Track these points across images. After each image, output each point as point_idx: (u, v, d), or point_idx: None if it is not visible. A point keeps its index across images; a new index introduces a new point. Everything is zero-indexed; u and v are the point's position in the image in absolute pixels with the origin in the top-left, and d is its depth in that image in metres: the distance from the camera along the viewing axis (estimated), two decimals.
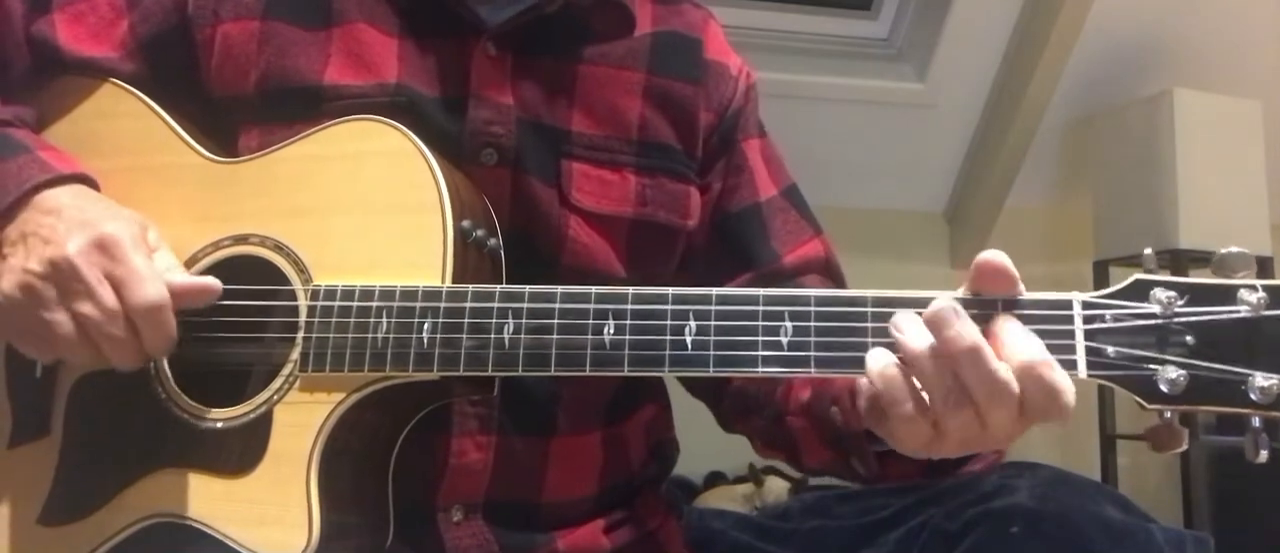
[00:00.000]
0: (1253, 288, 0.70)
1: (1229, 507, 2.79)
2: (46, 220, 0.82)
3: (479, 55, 0.95)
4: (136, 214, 0.85)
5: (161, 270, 0.82)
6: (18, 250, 0.82)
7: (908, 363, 0.72)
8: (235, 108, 0.94)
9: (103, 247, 0.80)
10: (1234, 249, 0.71)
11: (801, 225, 1.08)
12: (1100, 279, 2.76)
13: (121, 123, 0.94)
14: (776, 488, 2.48)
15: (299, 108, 0.91)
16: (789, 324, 0.75)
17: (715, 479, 2.64)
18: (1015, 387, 0.69)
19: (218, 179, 0.90)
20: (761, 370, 0.75)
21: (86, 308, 0.79)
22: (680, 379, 1.07)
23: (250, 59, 0.94)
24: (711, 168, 1.06)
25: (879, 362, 0.72)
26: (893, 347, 0.73)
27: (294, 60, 0.93)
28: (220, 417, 0.84)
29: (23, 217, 0.83)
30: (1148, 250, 0.75)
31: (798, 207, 1.10)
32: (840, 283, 1.08)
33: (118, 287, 0.80)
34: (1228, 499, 2.79)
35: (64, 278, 0.79)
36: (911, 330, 0.72)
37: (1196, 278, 0.72)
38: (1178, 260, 2.52)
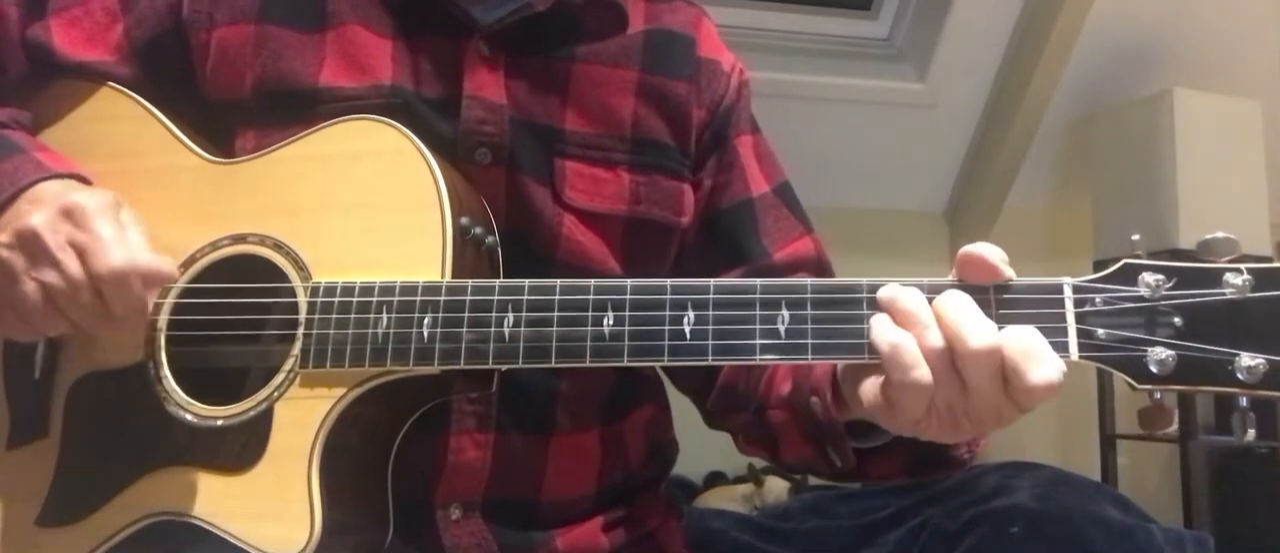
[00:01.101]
0: (1238, 271, 0.71)
1: (1229, 507, 2.79)
2: (27, 207, 0.83)
3: (472, 55, 0.95)
4: (112, 192, 0.85)
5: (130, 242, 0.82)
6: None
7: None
8: (231, 111, 0.94)
9: (68, 214, 0.80)
10: (1219, 234, 0.73)
11: (792, 223, 1.09)
12: None
13: (118, 126, 0.94)
14: (776, 488, 2.48)
15: (295, 110, 0.92)
16: (786, 312, 0.76)
17: (715, 479, 2.64)
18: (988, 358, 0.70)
19: (215, 179, 0.91)
20: (760, 358, 0.76)
21: (50, 276, 0.79)
22: (668, 376, 1.07)
23: (246, 62, 0.94)
24: (704, 164, 1.06)
25: (884, 332, 0.73)
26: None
27: (289, 63, 0.94)
28: (220, 414, 0.84)
29: (11, 210, 0.84)
30: (1136, 236, 0.77)
31: (789, 204, 1.10)
32: None
33: (82, 253, 0.80)
34: (1228, 499, 2.79)
35: (29, 247, 0.80)
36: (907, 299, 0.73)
37: (1182, 262, 0.74)
38: (1178, 260, 2.52)
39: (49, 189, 0.84)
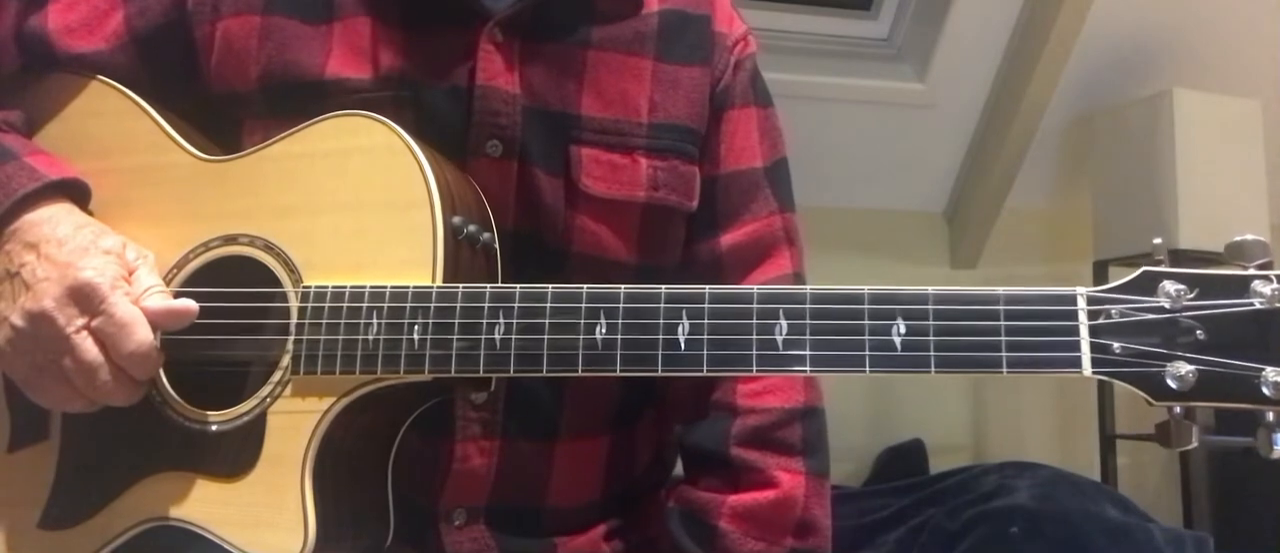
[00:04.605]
0: (1267, 279, 0.68)
1: (1229, 507, 2.79)
2: (28, 258, 0.82)
3: (485, 43, 0.93)
4: (115, 239, 0.85)
5: (140, 293, 0.82)
6: (4, 293, 0.82)
7: None
8: (237, 104, 0.93)
9: (79, 296, 0.79)
10: (1250, 236, 0.69)
11: (765, 201, 1.05)
12: (1100, 279, 2.75)
13: (111, 122, 0.93)
14: None
15: (302, 102, 0.90)
16: (784, 323, 0.74)
17: None
18: None
19: (206, 178, 0.90)
20: (756, 370, 0.74)
21: (68, 363, 0.79)
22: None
23: (251, 55, 0.93)
24: (707, 145, 1.04)
25: None
26: None
27: (295, 54, 0.92)
28: (215, 420, 0.84)
29: (8, 248, 0.83)
30: (1158, 240, 0.73)
31: (773, 182, 1.06)
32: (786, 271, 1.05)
33: (100, 338, 0.79)
34: (1228, 499, 2.79)
35: (43, 334, 0.79)
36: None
37: (1208, 269, 0.70)
38: (1177, 260, 2.51)
39: (44, 229, 0.83)
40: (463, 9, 0.94)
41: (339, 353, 0.80)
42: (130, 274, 0.83)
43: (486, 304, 0.79)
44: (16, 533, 0.87)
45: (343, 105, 0.89)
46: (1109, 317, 0.70)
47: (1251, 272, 0.68)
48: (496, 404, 0.93)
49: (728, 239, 1.02)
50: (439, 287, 0.80)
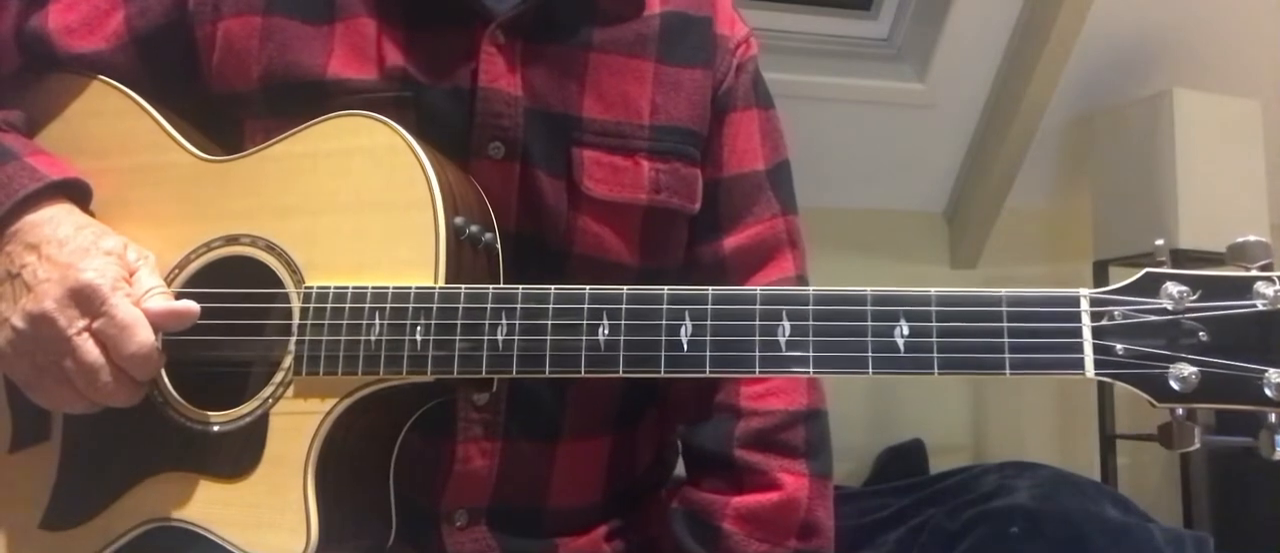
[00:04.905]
0: (1270, 281, 0.68)
1: (1229, 507, 2.79)
2: (29, 259, 0.82)
3: (487, 44, 0.93)
4: (116, 239, 0.84)
5: (141, 294, 0.82)
6: (5, 294, 0.82)
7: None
8: (238, 104, 0.93)
9: (80, 297, 0.79)
10: (1252, 238, 0.69)
11: (767, 203, 1.05)
12: (1100, 279, 2.76)
13: (112, 122, 0.93)
14: None
15: (303, 103, 0.90)
16: (787, 324, 0.74)
17: None
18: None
19: (208, 178, 0.90)
20: (759, 371, 0.74)
21: (69, 364, 0.79)
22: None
23: (252, 55, 0.93)
24: (710, 148, 1.04)
25: None
26: None
27: (296, 55, 0.92)
28: (217, 420, 0.84)
29: (9, 249, 0.83)
30: (1160, 242, 0.73)
31: (775, 184, 1.06)
32: (790, 271, 1.05)
33: (101, 339, 0.79)
34: (1228, 499, 2.79)
35: (44, 336, 0.79)
36: None
37: (1211, 271, 0.70)
38: (1177, 261, 2.52)
39: (45, 230, 0.83)
40: (465, 10, 0.94)
41: (341, 354, 0.80)
42: (131, 275, 0.83)
43: (489, 305, 0.79)
44: (18, 534, 0.87)
45: (344, 105, 0.89)
46: (1112, 318, 0.70)
47: (1253, 273, 0.68)
48: (498, 405, 0.93)
49: (731, 242, 1.02)
50: (441, 287, 0.80)
